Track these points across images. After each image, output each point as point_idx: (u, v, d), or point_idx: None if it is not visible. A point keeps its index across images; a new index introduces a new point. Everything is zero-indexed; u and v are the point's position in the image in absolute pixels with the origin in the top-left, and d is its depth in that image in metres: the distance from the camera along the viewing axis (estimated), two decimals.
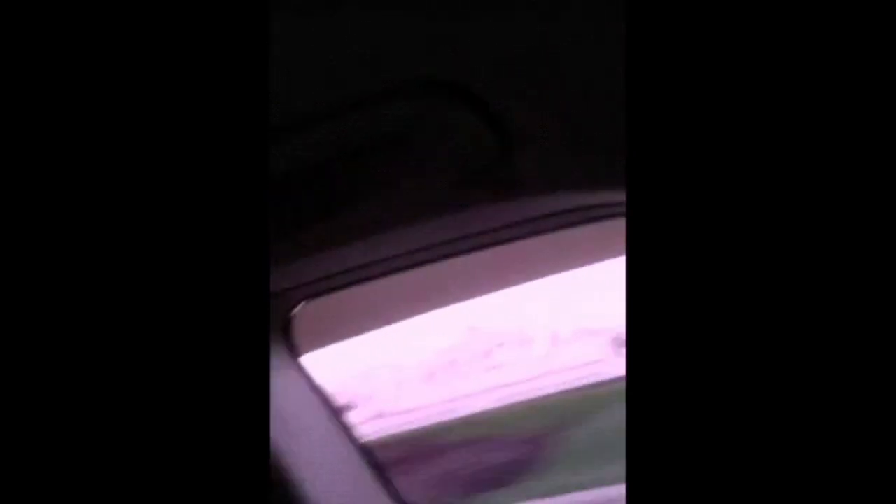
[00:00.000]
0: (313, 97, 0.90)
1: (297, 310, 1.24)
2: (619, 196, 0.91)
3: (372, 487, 1.28)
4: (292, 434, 1.18)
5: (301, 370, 1.28)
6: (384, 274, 1.21)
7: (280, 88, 0.73)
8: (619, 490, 1.20)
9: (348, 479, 1.26)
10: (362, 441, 1.31)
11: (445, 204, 0.99)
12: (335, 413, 1.30)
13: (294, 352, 1.28)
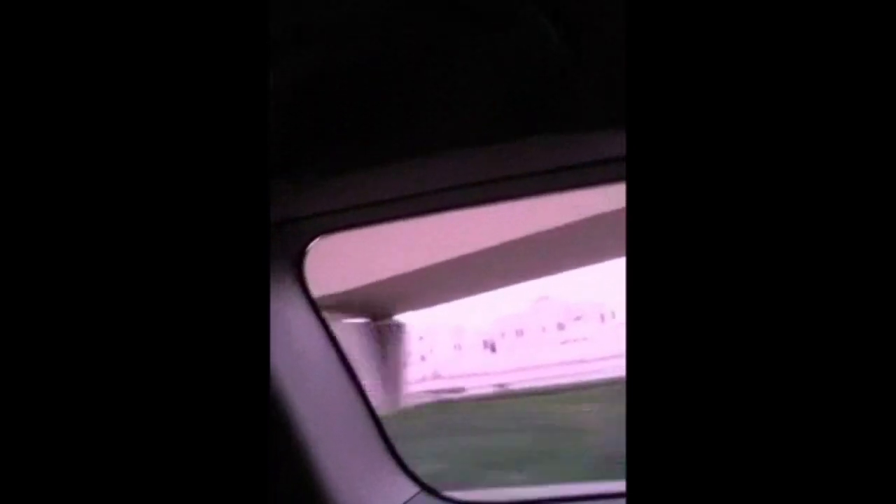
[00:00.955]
0: None
1: (311, 245, 1.07)
2: None
3: (371, 432, 1.18)
4: (295, 372, 1.05)
5: (310, 308, 1.14)
6: (415, 213, 1.03)
7: None
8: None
9: (348, 421, 1.15)
10: (363, 385, 1.19)
11: (495, 131, 0.82)
12: (341, 355, 1.17)
13: (304, 287, 1.14)
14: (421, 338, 4.26)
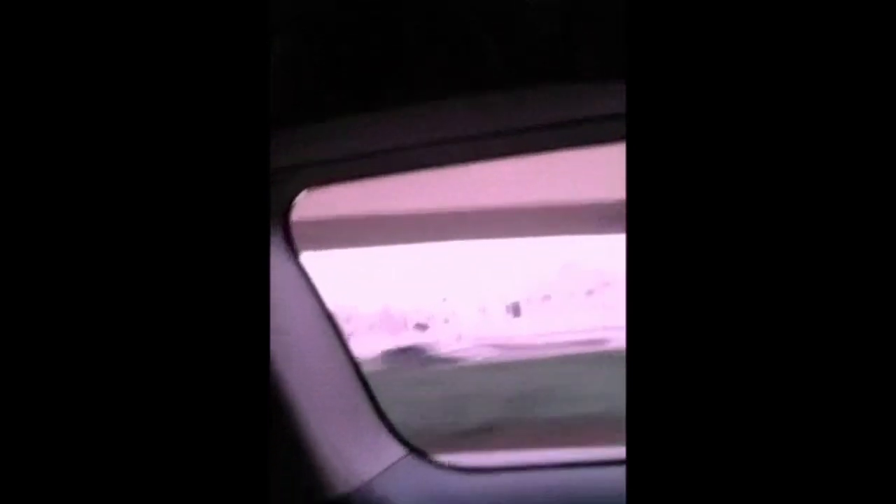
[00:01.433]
0: None
1: (298, 198, 1.03)
2: None
3: (357, 392, 1.15)
4: (280, 329, 1.03)
5: (296, 264, 1.12)
6: (408, 167, 0.98)
7: None
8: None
9: (334, 381, 1.12)
10: (350, 347, 1.16)
11: (491, 83, 0.78)
12: (326, 312, 1.14)
13: (290, 242, 1.11)
14: (444, 299, 4.22)
